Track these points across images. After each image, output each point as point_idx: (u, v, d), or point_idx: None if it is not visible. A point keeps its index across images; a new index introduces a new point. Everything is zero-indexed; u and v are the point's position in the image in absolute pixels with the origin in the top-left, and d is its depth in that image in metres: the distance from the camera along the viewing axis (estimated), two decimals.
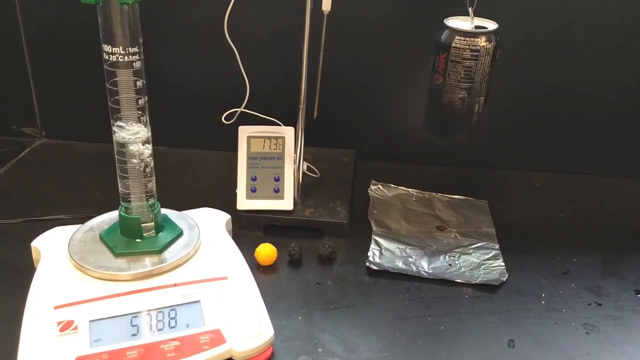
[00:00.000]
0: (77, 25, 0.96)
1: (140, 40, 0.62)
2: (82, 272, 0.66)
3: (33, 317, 0.61)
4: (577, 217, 0.91)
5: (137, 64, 0.63)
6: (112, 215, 0.74)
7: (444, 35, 0.77)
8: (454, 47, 0.76)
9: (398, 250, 0.81)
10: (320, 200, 0.87)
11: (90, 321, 0.60)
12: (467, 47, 0.75)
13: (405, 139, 1.02)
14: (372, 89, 0.99)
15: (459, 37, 0.76)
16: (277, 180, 0.84)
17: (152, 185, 0.70)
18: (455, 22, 0.78)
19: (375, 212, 0.89)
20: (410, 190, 0.95)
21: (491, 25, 0.78)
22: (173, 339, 0.60)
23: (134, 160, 0.67)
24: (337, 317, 0.69)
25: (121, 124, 0.65)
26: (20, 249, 0.74)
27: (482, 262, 0.79)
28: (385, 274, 0.76)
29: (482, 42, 0.75)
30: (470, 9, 0.78)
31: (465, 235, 0.84)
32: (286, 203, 0.83)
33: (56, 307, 0.61)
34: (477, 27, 0.78)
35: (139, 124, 0.65)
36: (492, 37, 0.76)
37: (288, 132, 0.84)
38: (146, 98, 0.65)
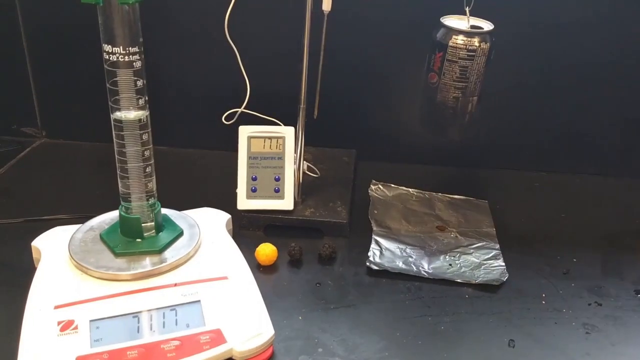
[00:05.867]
0: (77, 25, 0.96)
1: (141, 40, 0.62)
2: (83, 271, 0.66)
3: (33, 317, 0.61)
4: (577, 217, 0.91)
5: (138, 64, 0.63)
6: (112, 215, 0.74)
7: (441, 33, 0.77)
8: (451, 46, 0.76)
9: (398, 250, 0.81)
10: (320, 200, 0.87)
11: (91, 321, 0.60)
12: (464, 46, 0.75)
13: (405, 139, 1.02)
14: (372, 89, 0.99)
15: (456, 36, 0.76)
16: (277, 180, 0.84)
17: (153, 185, 0.70)
18: (452, 21, 0.78)
19: (376, 212, 0.89)
20: (410, 190, 0.95)
21: (487, 25, 0.78)
22: (173, 339, 0.60)
23: (134, 160, 0.67)
24: (337, 317, 0.69)
25: (121, 124, 0.65)
26: (20, 249, 0.74)
27: (482, 262, 0.79)
28: (385, 274, 0.76)
29: (478, 42, 0.75)
30: (467, 9, 0.78)
31: (465, 235, 0.84)
32: (286, 203, 0.83)
33: (56, 307, 0.62)
34: (472, 26, 0.78)
35: (139, 124, 0.65)
36: (488, 38, 0.76)
37: (288, 132, 0.84)
38: (146, 98, 0.65)
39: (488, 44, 0.76)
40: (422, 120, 0.85)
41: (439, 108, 0.80)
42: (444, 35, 0.77)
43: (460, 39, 0.76)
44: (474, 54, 0.76)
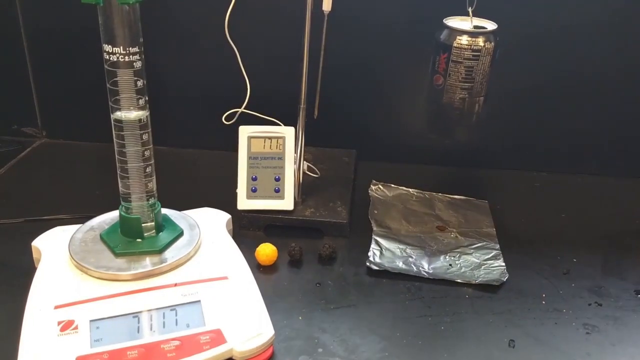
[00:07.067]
0: (77, 25, 0.96)
1: (141, 40, 0.62)
2: (83, 271, 0.66)
3: (33, 317, 0.61)
4: (577, 217, 0.91)
5: (138, 64, 0.63)
6: (113, 215, 0.74)
7: (444, 35, 0.77)
8: (455, 47, 0.76)
9: (398, 250, 0.81)
10: (320, 200, 0.87)
11: (91, 321, 0.60)
12: (469, 47, 0.75)
13: (405, 139, 1.02)
14: (372, 89, 0.99)
15: (460, 37, 0.76)
16: (277, 180, 0.84)
17: (153, 185, 0.70)
18: (455, 22, 0.78)
19: (376, 212, 0.89)
20: (410, 190, 0.95)
21: (490, 25, 0.78)
22: (173, 339, 0.60)
23: (134, 160, 0.67)
24: (337, 317, 0.69)
25: (122, 124, 0.65)
26: (20, 249, 0.74)
27: (482, 262, 0.79)
28: (385, 274, 0.76)
29: (483, 41, 0.75)
30: (469, 9, 0.78)
31: (465, 235, 0.84)
32: (286, 203, 0.83)
33: (56, 307, 0.62)
34: (475, 27, 0.78)
35: (139, 124, 0.65)
36: (492, 37, 0.76)
37: (288, 132, 0.84)
38: (146, 98, 0.65)
39: (492, 43, 0.76)
40: (428, 123, 0.85)
41: (445, 110, 0.80)
42: (447, 36, 0.77)
43: (464, 40, 0.75)
44: (479, 53, 0.75)
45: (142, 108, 0.65)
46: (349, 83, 0.98)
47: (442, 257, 0.79)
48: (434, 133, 0.85)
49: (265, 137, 0.84)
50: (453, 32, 0.76)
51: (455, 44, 0.76)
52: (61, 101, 1.05)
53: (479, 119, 0.81)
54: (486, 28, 0.78)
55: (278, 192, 0.84)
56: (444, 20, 0.78)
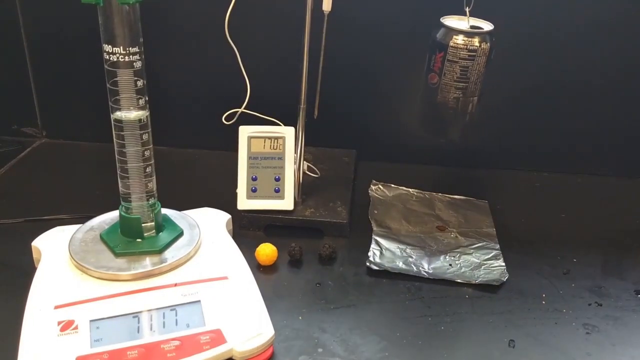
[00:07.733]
0: (77, 25, 0.96)
1: (141, 40, 0.62)
2: (83, 271, 0.66)
3: (33, 317, 0.61)
4: (577, 217, 0.91)
5: (138, 64, 0.63)
6: (113, 215, 0.74)
7: (441, 34, 0.77)
8: (451, 46, 0.76)
9: (398, 250, 0.81)
10: (320, 200, 0.87)
11: (91, 321, 0.60)
12: (465, 46, 0.75)
13: (405, 139, 1.02)
14: (372, 89, 0.99)
15: (456, 37, 0.76)
16: (277, 180, 0.84)
17: (153, 185, 0.70)
18: (452, 22, 0.78)
19: (376, 212, 0.89)
20: (410, 190, 0.95)
21: (487, 25, 0.78)
22: (173, 339, 0.60)
23: (134, 160, 0.67)
24: (337, 317, 0.69)
25: (122, 124, 0.65)
26: (20, 249, 0.74)
27: (482, 262, 0.79)
28: (385, 274, 0.76)
29: (479, 42, 0.76)
30: (466, 9, 0.78)
31: (465, 235, 0.84)
32: (287, 203, 0.83)
33: (56, 307, 0.62)
34: (472, 27, 0.78)
35: (139, 124, 0.65)
36: (488, 38, 0.76)
37: (288, 132, 0.84)
38: (146, 98, 0.65)
39: (488, 44, 0.76)
40: (421, 121, 0.85)
41: (439, 109, 0.80)
42: (444, 35, 0.77)
43: (460, 39, 0.76)
44: (474, 54, 0.76)
45: (142, 108, 0.65)
46: (349, 83, 0.98)
47: (442, 257, 0.79)
48: (427, 132, 0.86)
49: (265, 137, 0.84)
50: (449, 31, 0.76)
51: (451, 44, 0.76)
52: (61, 101, 1.05)
53: (472, 119, 0.81)
54: (482, 28, 0.78)
55: (278, 192, 0.84)
56: (440, 19, 0.78)
